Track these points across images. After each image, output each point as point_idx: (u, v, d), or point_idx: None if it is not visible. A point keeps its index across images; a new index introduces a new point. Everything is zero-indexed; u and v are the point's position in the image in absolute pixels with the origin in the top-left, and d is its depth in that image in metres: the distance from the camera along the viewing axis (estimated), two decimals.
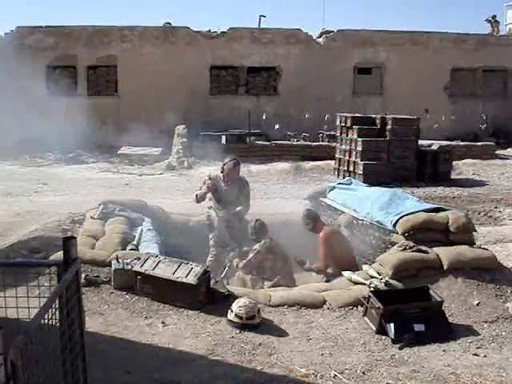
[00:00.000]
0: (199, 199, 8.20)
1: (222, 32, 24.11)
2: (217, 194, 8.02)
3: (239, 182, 8.20)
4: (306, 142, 21.06)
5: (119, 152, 20.13)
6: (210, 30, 24.28)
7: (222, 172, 8.17)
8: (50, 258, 6.39)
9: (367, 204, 7.96)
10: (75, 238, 3.00)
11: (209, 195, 8.13)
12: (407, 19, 71.95)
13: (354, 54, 24.54)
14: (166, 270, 6.03)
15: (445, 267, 6.29)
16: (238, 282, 7.27)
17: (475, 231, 7.14)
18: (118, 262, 6.27)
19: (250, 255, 7.40)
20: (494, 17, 26.95)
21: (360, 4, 77.21)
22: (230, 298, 5.86)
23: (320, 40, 24.80)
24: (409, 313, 5.36)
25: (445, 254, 6.40)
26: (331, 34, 24.87)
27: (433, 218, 7.00)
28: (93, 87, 23.35)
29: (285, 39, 24.19)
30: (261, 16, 26.02)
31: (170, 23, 24.18)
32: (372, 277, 6.24)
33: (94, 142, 20.71)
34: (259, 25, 25.74)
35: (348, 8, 69.69)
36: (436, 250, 6.55)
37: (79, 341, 2.92)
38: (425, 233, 6.91)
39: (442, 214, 7.13)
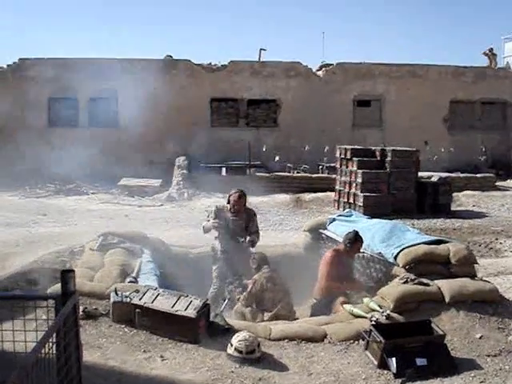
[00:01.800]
0: (206, 231, 8.22)
1: (222, 65, 24.34)
2: (223, 230, 8.05)
3: (247, 213, 8.22)
4: (305, 174, 21.10)
5: (119, 183, 20.15)
6: (210, 63, 24.52)
7: (228, 203, 8.19)
8: (49, 290, 6.34)
9: (368, 236, 7.93)
10: (73, 270, 2.98)
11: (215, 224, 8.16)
12: (406, 52, 72.71)
13: (354, 87, 24.72)
14: (165, 302, 5.97)
15: (447, 300, 6.23)
16: (237, 316, 7.20)
17: (476, 263, 7.10)
18: (117, 294, 6.21)
19: (250, 286, 7.35)
20: (491, 50, 27.22)
21: (359, 37, 78.11)
22: (230, 331, 5.79)
23: (320, 73, 25.02)
24: (411, 347, 5.30)
25: (446, 286, 6.35)
26: (331, 66, 25.10)
27: (434, 250, 6.96)
28: (94, 118, 23.47)
29: (285, 72, 24.40)
30: (261, 49, 26.29)
31: (171, 56, 24.43)
32: (373, 310, 6.18)
33: (94, 173, 20.74)
34: (259, 58, 25.99)
35: (347, 41, 70.47)
36: (437, 282, 6.50)
37: (76, 376, 2.87)
38: (426, 265, 6.87)
39: (443, 246, 7.10)
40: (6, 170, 18.36)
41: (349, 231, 7.74)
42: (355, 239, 7.51)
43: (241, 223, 8.10)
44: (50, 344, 2.54)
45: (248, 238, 8.01)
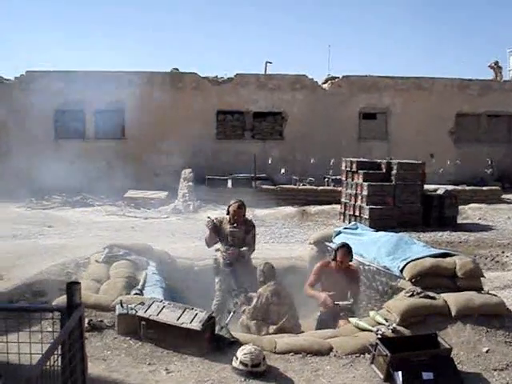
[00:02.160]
0: (209, 242, 8.26)
1: (228, 78, 24.44)
2: (216, 232, 8.12)
3: (246, 224, 8.22)
4: (311, 187, 21.10)
5: (125, 195, 20.20)
6: (216, 76, 24.62)
7: (227, 214, 8.20)
8: (54, 302, 6.34)
9: (374, 249, 7.91)
10: (79, 283, 2.98)
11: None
12: (411, 65, 72.79)
13: (359, 100, 24.77)
14: (170, 315, 5.96)
15: (453, 314, 6.20)
16: (242, 328, 7.18)
17: (483, 276, 7.06)
18: (123, 306, 6.20)
19: (255, 300, 7.32)
20: (496, 63, 27.23)
21: (365, 50, 78.36)
22: (236, 344, 5.77)
23: (325, 85, 25.08)
24: (417, 360, 5.26)
25: (453, 300, 6.32)
26: (336, 79, 25.17)
27: (440, 263, 6.94)
28: (100, 131, 23.57)
29: (290, 85, 24.48)
30: (267, 62, 26.40)
31: (177, 69, 24.55)
32: (379, 323, 6.15)
33: (101, 185, 20.80)
34: (265, 71, 26.09)
35: (353, 54, 70.67)
36: (444, 296, 6.47)
37: None
38: (432, 278, 6.84)
39: (449, 259, 7.07)
40: (13, 181, 18.43)
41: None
42: (338, 247, 7.53)
43: (240, 234, 8.11)
44: (56, 356, 2.54)
45: (242, 249, 8.03)
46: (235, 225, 8.11)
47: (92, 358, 5.27)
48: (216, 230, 8.12)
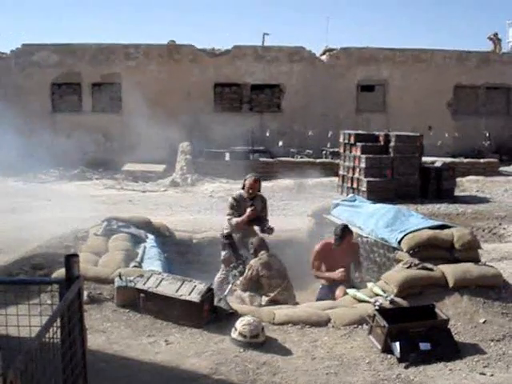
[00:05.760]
0: (238, 227, 8.03)
1: (225, 50, 24.23)
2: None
3: (261, 199, 8.26)
4: (309, 159, 21.06)
5: (123, 169, 20.15)
6: (213, 48, 24.41)
7: (243, 188, 8.17)
8: (53, 275, 6.36)
9: (372, 221, 7.92)
10: (78, 255, 2.97)
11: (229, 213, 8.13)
12: (410, 37, 72.22)
13: (358, 72, 24.61)
14: (169, 287, 5.99)
15: (450, 285, 6.23)
16: (236, 300, 7.23)
17: (480, 248, 7.09)
18: (121, 279, 6.22)
19: (246, 272, 7.36)
20: (495, 34, 27.01)
21: (363, 22, 77.67)
22: (234, 316, 5.80)
23: (323, 57, 24.89)
24: (414, 331, 5.30)
25: (450, 271, 6.35)
26: (334, 51, 24.97)
27: (438, 235, 6.95)
28: (97, 104, 23.44)
29: (288, 57, 24.29)
30: (264, 34, 26.19)
31: (174, 41, 24.32)
32: (377, 295, 6.19)
33: (98, 158, 20.76)
34: (263, 43, 25.88)
35: (351, 26, 70.03)
36: (441, 267, 6.50)
37: (81, 360, 2.88)
38: (430, 250, 6.86)
39: (446, 231, 7.09)
40: (10, 155, 18.35)
41: (337, 226, 7.75)
42: (342, 234, 7.49)
43: (259, 207, 8.13)
44: (55, 328, 2.54)
45: (268, 225, 8.03)
46: (252, 200, 8.10)
47: (91, 330, 5.29)
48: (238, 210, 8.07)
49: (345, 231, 7.51)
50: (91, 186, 18.16)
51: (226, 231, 8.12)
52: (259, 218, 8.09)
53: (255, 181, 8.12)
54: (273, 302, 7.01)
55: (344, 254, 7.51)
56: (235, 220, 8.02)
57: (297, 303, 7.13)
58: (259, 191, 8.24)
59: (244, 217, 7.97)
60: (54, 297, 3.17)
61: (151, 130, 21.84)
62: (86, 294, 5.95)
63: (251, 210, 7.94)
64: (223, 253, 8.09)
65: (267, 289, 7.26)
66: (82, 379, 2.91)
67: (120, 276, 6.29)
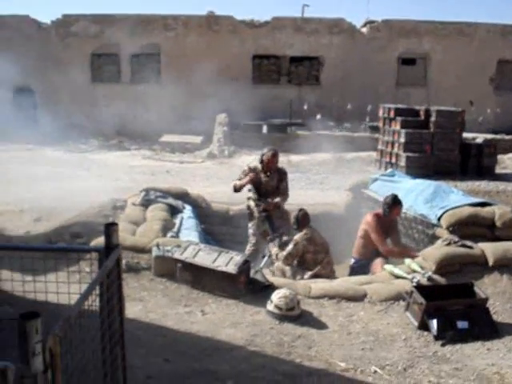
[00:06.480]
0: (238, 189, 8.13)
1: (265, 21, 23.98)
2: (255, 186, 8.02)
3: (279, 173, 8.15)
4: (347, 133, 20.85)
5: (161, 140, 20.24)
6: (253, 19, 24.18)
7: (261, 163, 8.12)
8: (91, 243, 6.44)
9: (411, 197, 7.83)
10: (117, 224, 2.98)
11: (248, 186, 8.09)
12: (453, 9, 70.41)
13: (399, 45, 24.15)
14: (206, 258, 6.02)
15: (490, 263, 6.14)
16: (278, 273, 7.23)
17: None
18: (159, 248, 6.28)
19: (290, 246, 7.30)
20: None
21: None
22: (270, 288, 5.81)
23: (364, 30, 24.47)
24: (452, 309, 5.23)
25: (490, 249, 6.24)
26: (375, 23, 24.51)
27: (479, 212, 6.84)
28: (136, 75, 23.51)
29: (328, 29, 23.93)
30: (304, 5, 25.84)
31: (213, 12, 24.16)
32: (414, 271, 6.12)
33: (136, 129, 20.87)
34: (302, 14, 25.56)
35: None
36: (481, 245, 6.39)
37: (119, 328, 2.89)
38: (470, 227, 6.77)
39: (488, 208, 6.97)
40: (50, 125, 18.57)
41: (387, 195, 7.63)
42: (393, 204, 7.40)
43: (273, 183, 8.06)
44: (94, 296, 2.56)
45: (276, 199, 7.96)
46: (268, 173, 8.05)
47: (128, 298, 5.36)
48: (256, 183, 8.05)
49: (396, 201, 7.43)
50: (129, 156, 18.30)
51: (255, 208, 8.08)
52: (273, 192, 8.05)
53: (273, 155, 8.07)
54: (315, 276, 6.98)
55: (389, 225, 7.47)
56: (236, 181, 8.11)
57: (336, 278, 7.10)
58: (277, 163, 8.18)
59: (243, 181, 8.00)
60: (92, 265, 3.20)
61: (189, 101, 21.86)
62: (123, 262, 6.01)
63: (250, 177, 7.97)
64: (250, 224, 8.07)
65: (311, 263, 7.22)
66: (120, 347, 2.93)
67: (158, 246, 6.34)
